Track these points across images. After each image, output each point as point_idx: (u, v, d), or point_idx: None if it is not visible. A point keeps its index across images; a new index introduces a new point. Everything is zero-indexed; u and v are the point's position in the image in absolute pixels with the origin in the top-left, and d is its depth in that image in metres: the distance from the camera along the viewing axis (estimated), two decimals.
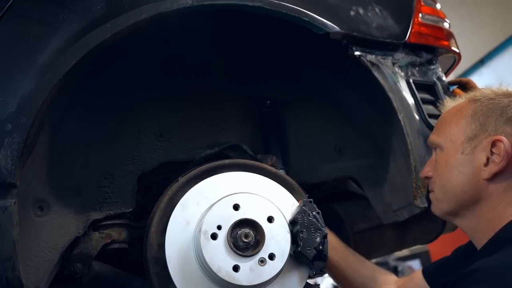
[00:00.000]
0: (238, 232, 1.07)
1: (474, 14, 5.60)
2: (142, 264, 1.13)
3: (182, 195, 1.15)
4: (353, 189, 1.67)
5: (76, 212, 1.26)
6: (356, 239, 1.60)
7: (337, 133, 1.60)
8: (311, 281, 1.20)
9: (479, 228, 1.02)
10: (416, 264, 6.09)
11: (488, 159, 0.98)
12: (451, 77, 1.87)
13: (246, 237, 1.06)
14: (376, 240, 1.62)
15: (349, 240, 1.59)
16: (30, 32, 1.05)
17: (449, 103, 1.17)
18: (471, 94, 1.12)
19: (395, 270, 5.12)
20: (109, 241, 1.30)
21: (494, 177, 0.98)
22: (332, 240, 1.19)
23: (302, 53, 1.48)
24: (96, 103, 1.31)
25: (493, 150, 0.97)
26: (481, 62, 5.95)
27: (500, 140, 0.96)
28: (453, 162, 1.05)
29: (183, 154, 1.46)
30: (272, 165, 1.38)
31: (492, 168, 0.97)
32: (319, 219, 1.13)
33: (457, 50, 1.62)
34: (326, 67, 1.50)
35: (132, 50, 1.30)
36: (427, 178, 1.17)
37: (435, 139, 1.14)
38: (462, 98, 1.14)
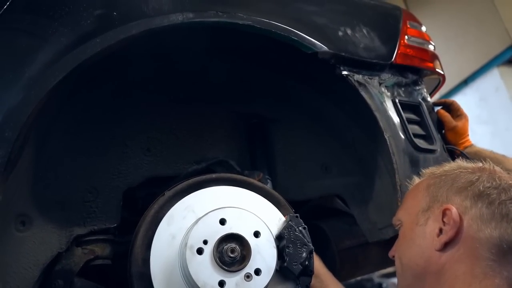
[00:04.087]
0: (224, 247, 1.06)
1: (459, 35, 5.75)
2: (126, 281, 1.11)
3: (168, 209, 1.14)
4: (339, 206, 1.68)
5: (59, 227, 1.24)
6: (342, 256, 1.60)
7: (324, 151, 1.61)
8: None
9: None
10: None
11: (440, 229, 0.95)
12: (436, 96, 1.91)
13: (232, 252, 1.05)
14: (361, 257, 1.62)
15: (334, 258, 1.59)
16: (18, 44, 1.05)
17: (415, 181, 1.15)
18: (430, 169, 1.11)
19: (379, 287, 5.10)
20: (92, 257, 1.28)
21: (445, 248, 0.94)
22: (316, 264, 1.18)
23: (291, 72, 1.50)
24: (83, 117, 1.30)
25: (444, 220, 0.95)
26: (465, 83, 6.08)
27: (449, 209, 0.94)
28: (409, 235, 1.03)
29: (170, 169, 1.46)
30: (259, 181, 1.38)
31: (443, 238, 0.94)
32: (305, 234, 1.13)
33: (442, 72, 1.66)
34: (315, 86, 1.52)
35: (121, 65, 1.30)
36: (393, 257, 1.12)
37: (396, 216, 1.12)
38: (425, 175, 1.13)
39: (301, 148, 1.62)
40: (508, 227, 0.91)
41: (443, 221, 0.95)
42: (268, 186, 1.40)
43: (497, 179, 0.96)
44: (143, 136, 1.45)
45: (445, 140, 1.57)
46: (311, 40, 1.30)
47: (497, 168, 1.01)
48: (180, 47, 1.33)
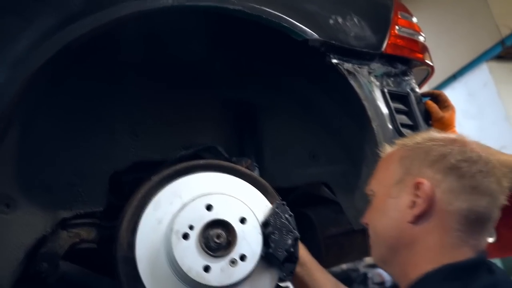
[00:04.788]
0: (210, 233, 1.07)
1: (451, 29, 5.78)
2: (112, 264, 1.11)
3: (155, 194, 1.14)
4: (326, 194, 1.69)
5: (44, 210, 1.23)
6: (327, 243, 1.61)
7: (312, 139, 1.62)
8: (282, 284, 1.21)
9: (400, 277, 1.00)
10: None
11: (413, 202, 0.96)
12: (425, 89, 1.92)
13: (218, 237, 1.06)
14: (347, 245, 1.64)
15: (320, 245, 1.61)
16: (2, 23, 1.03)
17: (387, 149, 1.15)
18: (402, 140, 1.12)
19: (364, 277, 5.18)
20: (78, 240, 1.27)
21: (417, 220, 0.96)
22: (302, 253, 1.19)
23: (282, 59, 1.50)
24: (70, 100, 1.29)
25: (417, 193, 0.96)
26: (454, 77, 6.12)
27: (422, 182, 0.95)
28: (382, 206, 1.05)
29: (157, 154, 1.45)
30: (247, 168, 1.38)
31: (415, 211, 0.95)
32: (291, 221, 1.14)
33: (431, 63, 1.67)
34: (304, 74, 1.52)
35: (111, 47, 1.29)
36: (366, 224, 1.13)
37: (369, 185, 1.13)
38: (397, 145, 1.13)
39: (289, 135, 1.62)
40: (477, 199, 0.94)
41: (416, 194, 0.96)
42: (256, 173, 1.41)
43: (468, 152, 0.97)
44: (131, 121, 1.43)
45: None
46: (302, 27, 1.29)
47: (469, 140, 1.02)
48: (171, 31, 1.31)
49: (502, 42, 5.38)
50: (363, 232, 1.58)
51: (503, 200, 0.98)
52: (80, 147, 1.33)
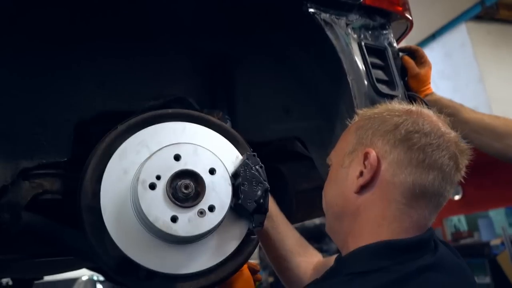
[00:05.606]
0: (178, 183, 1.04)
1: None
2: (76, 214, 1.08)
3: (121, 143, 1.09)
4: (299, 149, 1.68)
5: (3, 160, 1.17)
6: (298, 198, 1.62)
7: (286, 93, 1.58)
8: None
9: (342, 247, 0.99)
10: None
11: (361, 172, 0.95)
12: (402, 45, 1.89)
13: (186, 188, 1.03)
14: (318, 200, 1.64)
15: (291, 199, 1.61)
16: None
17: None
18: (363, 110, 1.09)
19: None
20: (41, 191, 1.23)
21: (361, 190, 0.94)
22: (269, 205, 1.18)
23: (256, 7, 1.43)
24: (30, 43, 1.20)
25: (365, 163, 0.94)
26: (432, 37, 6.11)
27: (369, 152, 0.94)
28: (334, 175, 1.04)
29: (125, 104, 1.39)
30: (218, 119, 1.35)
31: (360, 181, 0.94)
32: (261, 172, 1.12)
33: (410, 17, 1.63)
34: (280, 24, 1.46)
35: None
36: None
37: (330, 155, 1.12)
38: (357, 115, 1.10)
39: (263, 89, 1.59)
40: (422, 173, 0.91)
41: (364, 164, 0.95)
42: (228, 125, 1.37)
43: (420, 123, 0.95)
44: (97, 68, 1.36)
45: (407, 86, 1.57)
46: None
47: (426, 111, 0.99)
48: None
49: (481, 2, 5.36)
50: None
51: (458, 177, 0.95)
52: (42, 94, 1.26)
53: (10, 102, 1.20)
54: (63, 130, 1.28)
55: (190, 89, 1.49)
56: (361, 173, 0.95)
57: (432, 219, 0.96)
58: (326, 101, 1.51)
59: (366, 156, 0.95)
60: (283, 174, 1.64)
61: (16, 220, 1.19)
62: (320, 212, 1.83)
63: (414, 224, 0.92)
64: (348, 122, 1.20)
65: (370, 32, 1.48)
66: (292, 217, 1.53)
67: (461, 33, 5.57)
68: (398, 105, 1.03)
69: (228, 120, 1.43)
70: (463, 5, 5.48)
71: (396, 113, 0.98)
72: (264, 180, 1.10)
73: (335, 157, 1.07)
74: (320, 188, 1.61)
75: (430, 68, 1.63)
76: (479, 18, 5.54)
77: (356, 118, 1.09)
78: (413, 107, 1.01)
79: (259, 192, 1.08)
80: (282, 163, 1.67)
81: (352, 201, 0.96)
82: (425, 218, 0.94)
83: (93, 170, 1.06)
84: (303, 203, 1.63)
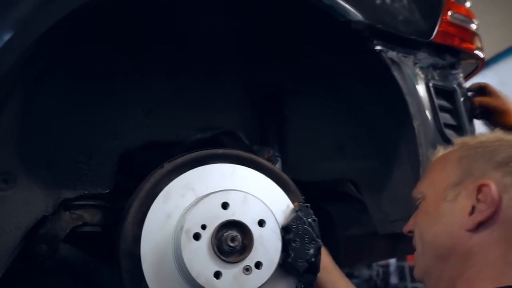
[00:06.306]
0: (224, 234, 0.96)
1: (487, 14, 5.45)
2: (114, 257, 1.02)
3: (166, 184, 1.03)
4: (350, 191, 1.56)
5: (46, 188, 1.13)
6: (347, 244, 1.50)
7: (341, 129, 1.48)
8: None
9: None
10: None
11: (473, 207, 0.84)
12: None
13: (232, 240, 0.95)
14: (367, 248, 1.53)
15: (338, 245, 1.50)
16: None
17: (440, 152, 1.02)
18: (462, 139, 0.99)
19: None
20: (81, 223, 1.18)
21: (478, 228, 0.83)
22: (324, 257, 1.08)
23: (316, 39, 1.34)
24: (79, 69, 1.16)
25: (479, 197, 0.84)
26: (486, 64, 5.84)
27: (487, 185, 0.83)
28: (434, 211, 0.91)
29: (172, 134, 1.33)
30: (268, 159, 1.26)
31: (477, 217, 0.83)
32: (315, 228, 1.02)
33: (482, 55, 1.49)
34: (340, 58, 1.36)
35: (128, 12, 1.15)
36: (410, 232, 1.01)
37: (418, 188, 1.00)
38: (455, 145, 1.00)
39: (316, 124, 1.48)
40: None
41: (478, 199, 0.84)
42: (278, 165, 1.28)
43: None
44: (145, 95, 1.31)
45: (494, 124, 1.42)
46: (345, 6, 1.13)
47: None
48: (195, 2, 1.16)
49: None
50: (388, 237, 1.47)
51: None
52: (88, 122, 1.22)
53: (56, 128, 1.16)
54: (107, 159, 1.23)
55: (240, 121, 1.41)
56: (473, 209, 0.84)
57: None
58: (386, 143, 1.39)
59: (480, 189, 0.84)
60: (331, 216, 1.53)
61: (53, 252, 1.15)
62: (367, 260, 1.71)
63: None
64: (429, 153, 1.09)
65: (438, 71, 1.35)
66: (337, 264, 1.41)
67: None
68: (508, 135, 0.93)
69: (278, 159, 1.34)
70: None
71: (510, 143, 0.88)
72: (318, 237, 1.01)
73: (431, 189, 0.95)
74: (371, 235, 1.51)
75: (505, 97, 1.47)
76: None
77: (451, 147, 0.98)
78: None
79: (311, 251, 0.98)
80: (331, 204, 1.56)
81: (464, 240, 0.85)
82: None
83: (135, 212, 0.99)
84: (351, 250, 1.51)
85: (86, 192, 1.18)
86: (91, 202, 1.20)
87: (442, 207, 0.89)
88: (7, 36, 0.85)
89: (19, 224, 1.08)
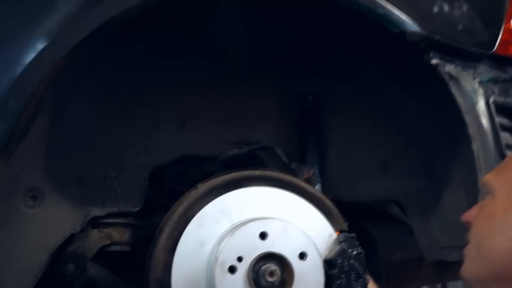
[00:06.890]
0: (262, 268, 0.88)
1: None
2: (144, 272, 0.96)
3: (200, 208, 0.95)
4: (394, 212, 1.45)
5: (74, 205, 1.08)
6: (390, 270, 1.39)
7: (386, 146, 1.36)
8: None
9: None
10: None
11: None
12: None
13: (271, 275, 0.87)
14: (412, 274, 1.42)
15: (380, 270, 1.39)
16: None
17: None
18: None
19: None
20: (109, 242, 1.13)
21: None
22: None
23: (364, 49, 1.24)
24: (110, 81, 1.10)
25: None
26: None
27: None
28: (500, 218, 0.77)
29: (206, 148, 1.26)
30: (308, 179, 1.17)
31: None
32: (361, 262, 0.93)
33: None
34: (389, 70, 1.25)
35: (159, 23, 1.08)
36: (467, 223, 0.86)
37: (490, 180, 0.85)
38: None
39: (359, 139, 1.38)
40: None
41: None
42: (318, 187, 1.19)
43: None
44: (178, 107, 1.24)
45: None
46: (399, 16, 1.02)
47: None
48: (232, 7, 1.08)
49: None
50: (435, 264, 1.35)
51: None
52: (118, 135, 1.16)
53: (86, 143, 1.11)
54: (138, 174, 1.17)
55: (278, 135, 1.33)
56: None
57: None
58: (434, 162, 1.28)
59: None
60: (373, 238, 1.42)
61: (80, 272, 1.10)
62: (412, 286, 1.60)
63: None
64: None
65: (499, 85, 1.22)
66: None
67: None
68: None
69: (319, 181, 1.25)
70: None
71: None
72: (364, 273, 0.91)
73: (504, 190, 0.80)
74: (417, 260, 1.40)
75: None
76: None
77: None
78: None
79: None
80: (373, 225, 1.45)
81: None
82: None
83: (166, 239, 0.93)
84: (395, 276, 1.40)
85: (115, 209, 1.13)
86: (120, 221, 1.15)
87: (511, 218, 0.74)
88: (35, 50, 0.79)
89: (46, 244, 1.04)
